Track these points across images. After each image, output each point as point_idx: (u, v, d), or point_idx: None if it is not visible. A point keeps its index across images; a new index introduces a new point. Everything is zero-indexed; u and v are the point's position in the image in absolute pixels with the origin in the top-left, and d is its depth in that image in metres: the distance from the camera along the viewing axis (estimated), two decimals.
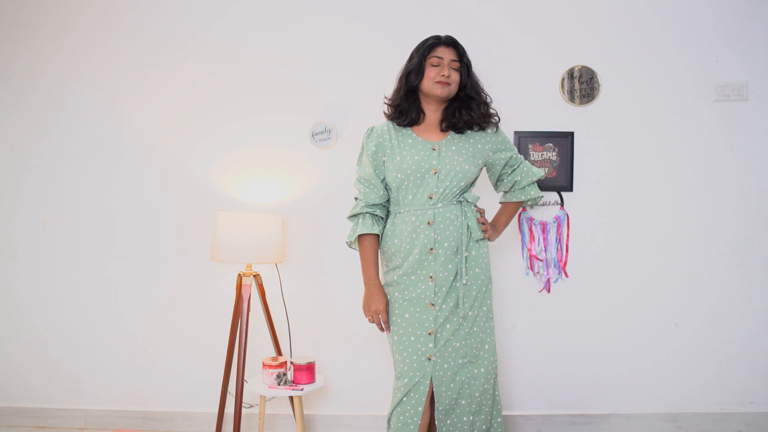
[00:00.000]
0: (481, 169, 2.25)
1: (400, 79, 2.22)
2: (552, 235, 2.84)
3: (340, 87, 2.86)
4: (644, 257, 2.86)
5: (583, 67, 2.83)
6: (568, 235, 2.85)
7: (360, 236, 2.21)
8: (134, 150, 2.90)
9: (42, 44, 2.91)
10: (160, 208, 2.90)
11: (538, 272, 2.85)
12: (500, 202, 2.43)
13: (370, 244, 2.21)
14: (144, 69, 2.89)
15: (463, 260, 2.15)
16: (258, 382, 2.59)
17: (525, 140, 2.82)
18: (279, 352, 2.72)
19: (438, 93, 2.15)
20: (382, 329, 2.20)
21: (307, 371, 2.57)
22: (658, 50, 2.83)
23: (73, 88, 2.90)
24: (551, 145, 2.83)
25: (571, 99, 2.83)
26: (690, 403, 2.87)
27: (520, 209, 2.72)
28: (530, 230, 2.85)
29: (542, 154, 2.83)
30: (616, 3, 2.83)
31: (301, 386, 2.53)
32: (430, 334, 2.13)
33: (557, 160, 2.83)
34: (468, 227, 2.18)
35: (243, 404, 2.76)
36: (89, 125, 2.91)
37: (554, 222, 2.85)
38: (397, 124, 2.23)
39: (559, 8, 2.84)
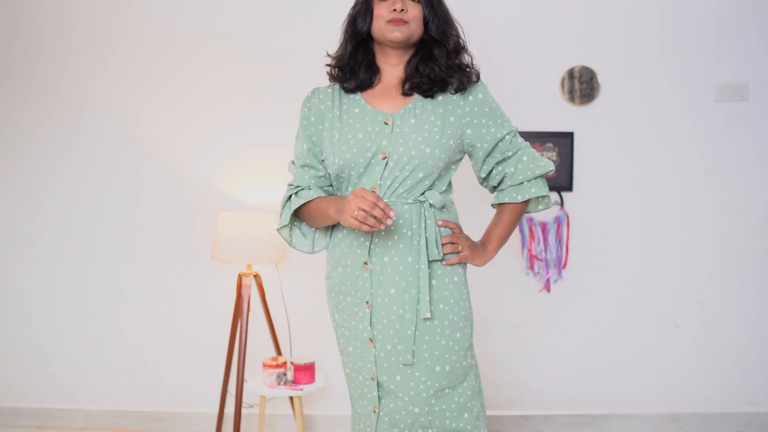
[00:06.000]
0: (455, 154, 1.63)
1: (346, 30, 1.65)
2: (552, 235, 2.84)
3: None
4: (644, 257, 2.86)
5: (583, 67, 2.83)
6: (568, 236, 2.85)
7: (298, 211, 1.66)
8: (137, 154, 2.90)
9: (54, 58, 2.91)
10: (162, 208, 2.90)
11: (538, 272, 2.85)
12: (492, 205, 1.74)
13: (314, 204, 1.62)
14: (158, 76, 2.89)
15: (426, 287, 1.55)
16: (258, 382, 2.59)
17: (525, 140, 2.82)
18: (279, 352, 2.72)
19: (393, 37, 1.54)
20: (383, 215, 1.39)
21: (307, 371, 2.56)
22: (658, 50, 2.83)
23: (87, 105, 2.90)
24: (551, 145, 2.83)
25: (571, 99, 2.83)
26: (690, 403, 2.87)
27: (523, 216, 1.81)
28: (530, 230, 2.85)
29: (542, 154, 2.82)
30: (616, 3, 2.83)
31: (301, 386, 2.53)
32: (372, 379, 1.59)
33: (557, 160, 2.83)
34: (426, 241, 1.56)
35: (243, 404, 2.75)
36: (96, 133, 2.91)
37: (554, 222, 2.85)
38: (343, 89, 1.64)
39: (559, 8, 2.84)
